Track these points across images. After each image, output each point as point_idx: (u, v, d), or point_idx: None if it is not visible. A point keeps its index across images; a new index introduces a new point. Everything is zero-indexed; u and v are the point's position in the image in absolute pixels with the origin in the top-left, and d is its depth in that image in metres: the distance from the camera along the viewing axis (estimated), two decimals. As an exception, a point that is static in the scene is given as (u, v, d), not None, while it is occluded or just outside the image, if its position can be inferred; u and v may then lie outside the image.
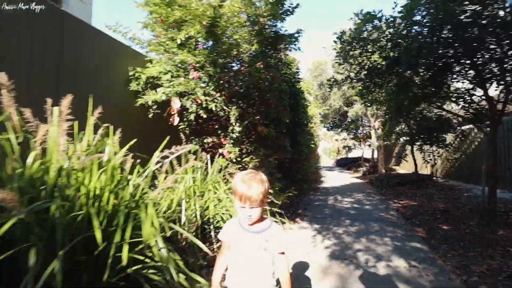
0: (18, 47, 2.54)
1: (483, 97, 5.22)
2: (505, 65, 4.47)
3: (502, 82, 4.76)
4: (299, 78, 7.80)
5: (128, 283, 1.92)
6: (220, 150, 4.39)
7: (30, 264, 1.37)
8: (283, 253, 1.38)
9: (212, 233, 3.28)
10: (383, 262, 3.12)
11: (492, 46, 4.54)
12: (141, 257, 1.87)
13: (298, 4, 5.08)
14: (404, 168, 15.88)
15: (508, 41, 4.21)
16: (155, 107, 4.04)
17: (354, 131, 20.61)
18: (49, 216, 1.65)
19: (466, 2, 4.37)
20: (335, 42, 6.57)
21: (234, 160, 4.43)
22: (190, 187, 3.31)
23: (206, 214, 3.43)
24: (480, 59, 4.85)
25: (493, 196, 4.73)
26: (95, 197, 1.90)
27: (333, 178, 15.95)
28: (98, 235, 1.55)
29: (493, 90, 5.59)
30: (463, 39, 4.43)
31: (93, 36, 3.49)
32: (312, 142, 10.95)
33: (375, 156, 19.02)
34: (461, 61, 5.10)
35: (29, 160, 1.85)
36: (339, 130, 20.87)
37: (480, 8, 4.29)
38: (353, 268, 2.95)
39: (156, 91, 3.87)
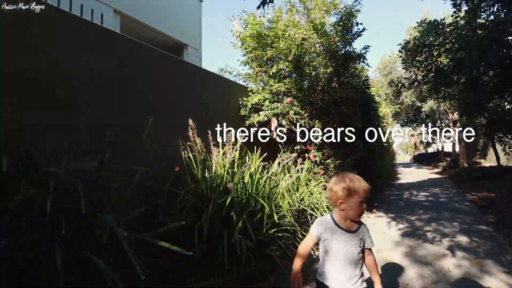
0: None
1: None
2: None
3: None
4: (368, 85, 8.58)
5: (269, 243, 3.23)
6: (307, 155, 5.60)
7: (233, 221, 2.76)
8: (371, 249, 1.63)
9: (308, 217, 4.48)
10: (447, 238, 3.95)
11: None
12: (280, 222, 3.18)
13: (364, 28, 6.05)
14: (491, 161, 14.96)
15: None
16: (256, 125, 5.43)
17: (432, 125, 19.82)
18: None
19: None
20: (400, 51, 7.27)
21: (318, 162, 5.60)
22: (291, 183, 4.58)
23: (302, 204, 4.66)
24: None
25: None
26: (248, 187, 3.28)
27: (409, 175, 15.86)
28: (264, 203, 2.90)
29: None
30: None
31: (216, 79, 5.04)
32: (385, 141, 11.41)
33: (457, 150, 18.08)
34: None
35: (213, 168, 3.31)
36: (414, 125, 20.31)
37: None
38: (420, 242, 3.86)
39: (259, 114, 5.27)
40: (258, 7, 3.39)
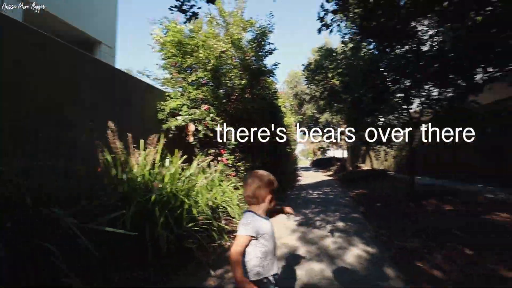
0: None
1: (407, 111, 7.26)
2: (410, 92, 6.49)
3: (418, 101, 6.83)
4: (276, 97, 9.64)
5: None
6: (220, 158, 6.11)
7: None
8: None
9: (220, 214, 4.96)
10: (330, 224, 4.98)
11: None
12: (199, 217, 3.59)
13: (275, 48, 6.91)
14: (368, 165, 18.17)
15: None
16: (174, 129, 5.68)
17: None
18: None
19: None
20: (303, 70, 8.48)
21: (230, 165, 6.17)
22: (206, 183, 5.01)
23: (215, 202, 5.13)
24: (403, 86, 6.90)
25: (412, 181, 6.78)
26: (169, 186, 3.60)
27: (308, 177, 17.98)
28: (185, 199, 3.27)
29: (415, 106, 7.69)
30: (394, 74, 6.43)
31: (135, 82, 5.13)
32: (288, 147, 12.82)
33: (345, 156, 21.30)
34: (393, 87, 7.12)
35: (134, 168, 3.51)
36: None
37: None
38: (311, 229, 4.78)
39: (176, 119, 5.55)
40: (185, 23, 3.74)
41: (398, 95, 7.39)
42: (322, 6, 4.96)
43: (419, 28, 6.64)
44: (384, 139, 9.53)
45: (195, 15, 3.51)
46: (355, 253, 3.59)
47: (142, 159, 3.65)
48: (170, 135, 5.61)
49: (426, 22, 6.52)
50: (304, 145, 44.18)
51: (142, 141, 3.87)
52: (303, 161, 53.11)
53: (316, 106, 19.18)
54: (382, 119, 9.56)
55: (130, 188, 3.26)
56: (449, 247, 3.61)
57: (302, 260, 3.41)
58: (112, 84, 4.43)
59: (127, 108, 4.73)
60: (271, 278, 1.65)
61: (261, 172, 1.73)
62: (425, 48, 6.44)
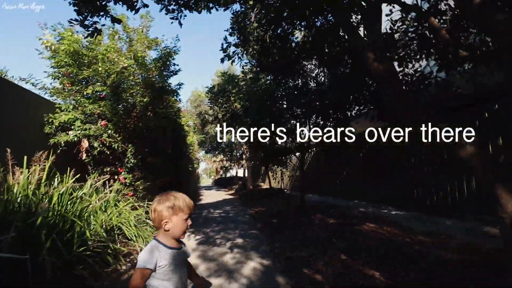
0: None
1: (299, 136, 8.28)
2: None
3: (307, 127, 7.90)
4: (179, 115, 9.68)
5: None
6: (117, 177, 5.78)
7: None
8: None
9: (116, 236, 4.69)
10: (230, 241, 5.24)
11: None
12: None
13: (180, 69, 7.13)
14: (267, 184, 19.51)
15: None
16: (63, 145, 5.16)
17: (229, 153, 23.68)
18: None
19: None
20: (207, 93, 8.81)
21: (128, 184, 5.89)
22: (101, 203, 4.68)
23: (109, 224, 4.82)
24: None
25: (302, 199, 7.68)
26: (57, 207, 3.28)
27: (210, 196, 18.10)
28: (77, 221, 3.03)
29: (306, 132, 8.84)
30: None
31: (15, 90, 4.52)
32: (191, 166, 12.83)
33: (246, 175, 22.34)
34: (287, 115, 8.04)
35: (15, 188, 3.11)
36: (216, 152, 23.51)
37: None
38: (211, 246, 4.94)
39: (67, 133, 5.06)
40: (86, 37, 3.58)
41: (292, 121, 8.39)
42: (225, 38, 5.41)
43: (309, 66, 7.83)
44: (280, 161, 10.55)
45: (98, 31, 3.41)
46: (252, 266, 3.90)
47: (24, 178, 3.24)
48: (58, 151, 5.07)
49: (313, 62, 7.74)
50: (207, 163, 44.34)
51: (25, 158, 3.44)
52: (206, 180, 53.05)
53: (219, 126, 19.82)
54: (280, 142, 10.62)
55: (7, 211, 2.86)
56: (329, 254, 4.28)
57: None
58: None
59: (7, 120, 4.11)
60: None
61: (167, 193, 1.57)
62: (312, 84, 7.61)
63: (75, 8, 3.27)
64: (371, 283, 3.18)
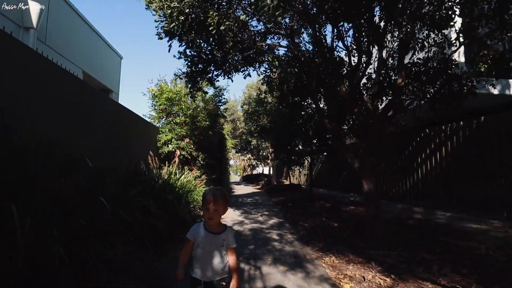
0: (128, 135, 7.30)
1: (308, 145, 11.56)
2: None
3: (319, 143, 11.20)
4: (223, 127, 13.29)
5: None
6: (191, 172, 9.44)
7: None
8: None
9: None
10: (259, 213, 8.71)
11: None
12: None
13: (227, 101, 10.60)
14: (288, 181, 22.81)
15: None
16: (166, 153, 8.83)
17: (257, 153, 27.21)
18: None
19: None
20: (243, 113, 12.30)
21: (199, 176, 9.54)
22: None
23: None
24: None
25: (311, 191, 10.98)
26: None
27: (240, 190, 21.70)
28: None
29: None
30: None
31: (139, 120, 8.24)
32: (228, 165, 16.46)
33: (271, 173, 25.78)
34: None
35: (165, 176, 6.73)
36: (245, 152, 27.14)
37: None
38: (249, 215, 8.43)
39: (168, 146, 8.74)
40: (189, 94, 7.16)
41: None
42: (259, 88, 8.82)
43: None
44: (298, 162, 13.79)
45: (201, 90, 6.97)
46: (273, 221, 7.33)
47: (165, 170, 6.86)
48: (162, 156, 8.78)
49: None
50: (235, 161, 48.25)
51: (156, 159, 7.08)
52: (233, 176, 57.22)
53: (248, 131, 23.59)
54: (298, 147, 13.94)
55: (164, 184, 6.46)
56: (315, 218, 7.62)
57: (245, 225, 7.03)
58: (143, 124, 7.51)
59: (146, 136, 7.81)
60: (202, 281, 1.81)
61: (209, 189, 1.90)
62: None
63: (186, 79, 6.79)
64: (330, 226, 6.52)
